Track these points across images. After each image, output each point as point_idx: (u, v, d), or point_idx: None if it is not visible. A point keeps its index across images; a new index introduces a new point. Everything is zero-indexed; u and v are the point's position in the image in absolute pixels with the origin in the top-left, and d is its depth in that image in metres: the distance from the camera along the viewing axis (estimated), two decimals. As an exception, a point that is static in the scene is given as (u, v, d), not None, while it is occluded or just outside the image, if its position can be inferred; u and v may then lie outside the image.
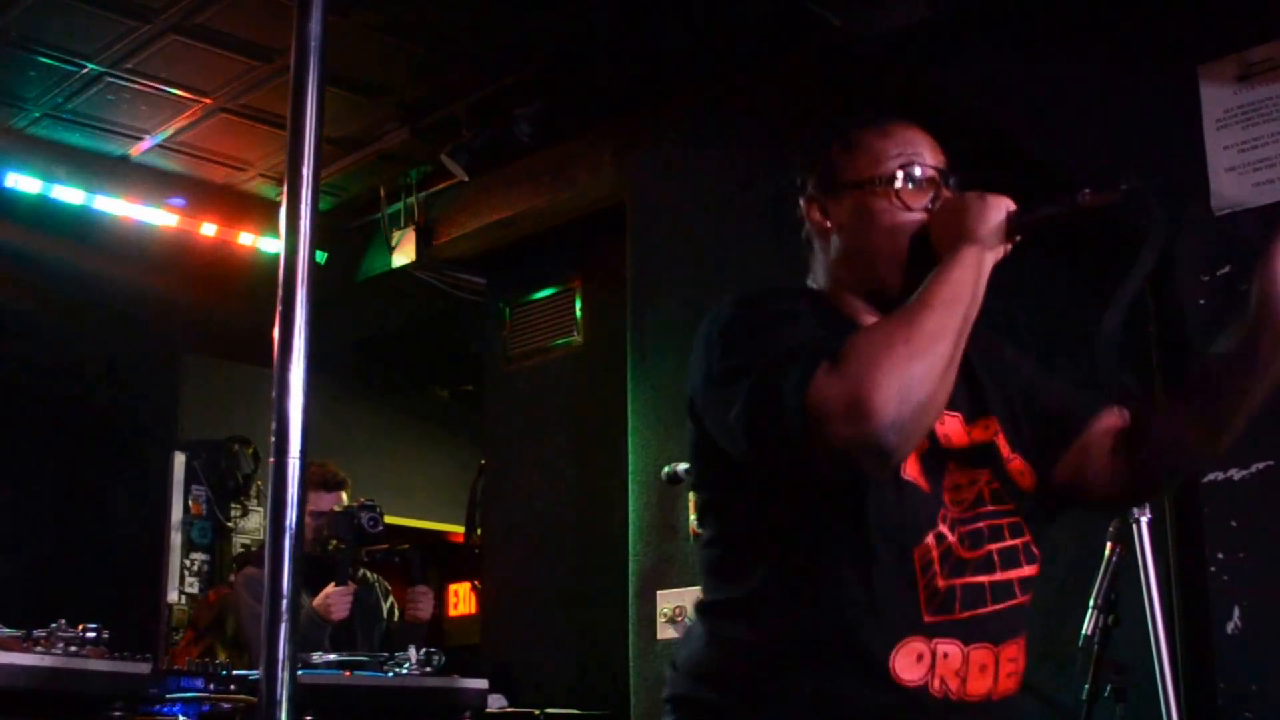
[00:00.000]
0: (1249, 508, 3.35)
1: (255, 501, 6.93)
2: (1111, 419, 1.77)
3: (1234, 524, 3.36)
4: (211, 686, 3.21)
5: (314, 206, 1.43)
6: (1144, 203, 1.59)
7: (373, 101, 5.31)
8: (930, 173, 1.70)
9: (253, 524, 7.25)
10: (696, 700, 1.67)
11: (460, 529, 6.80)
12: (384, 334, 7.27)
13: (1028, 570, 1.67)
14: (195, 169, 5.97)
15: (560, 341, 5.78)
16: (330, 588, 3.95)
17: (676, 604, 4.54)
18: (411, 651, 3.41)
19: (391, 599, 4.38)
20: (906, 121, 1.75)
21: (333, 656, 3.44)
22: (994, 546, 1.64)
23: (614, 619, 4.85)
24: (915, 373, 1.44)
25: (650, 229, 5.05)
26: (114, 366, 6.91)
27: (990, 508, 1.66)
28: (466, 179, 5.41)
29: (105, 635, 2.96)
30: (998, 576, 1.63)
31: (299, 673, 1.37)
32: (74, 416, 6.88)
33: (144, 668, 3.02)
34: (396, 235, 6.11)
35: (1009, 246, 1.62)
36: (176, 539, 6.72)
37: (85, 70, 5.04)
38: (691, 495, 4.35)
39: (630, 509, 4.81)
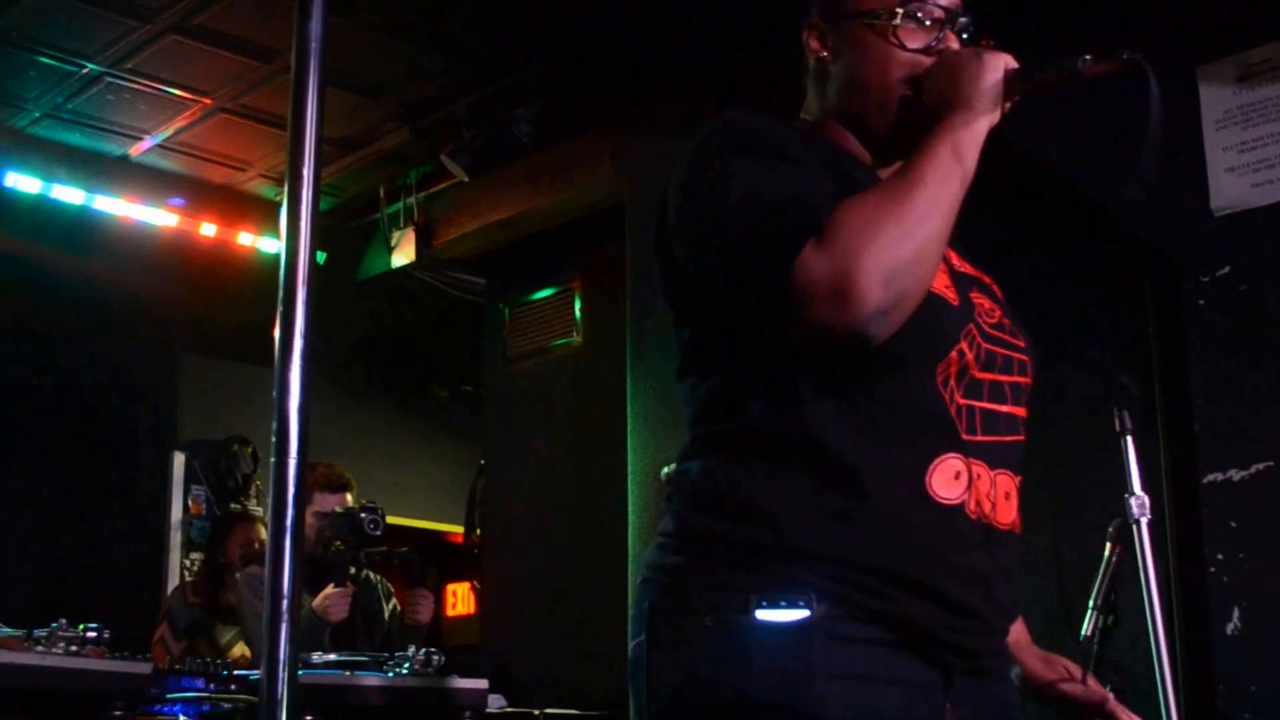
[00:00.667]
0: (1249, 508, 3.35)
1: (255, 501, 6.93)
2: None
3: (1234, 525, 3.36)
4: (211, 686, 3.21)
5: (314, 206, 1.43)
6: (1142, 72, 1.51)
7: (373, 101, 5.31)
8: (937, 13, 1.61)
9: (252, 524, 7.24)
10: (708, 533, 1.50)
11: (459, 529, 6.81)
12: (384, 334, 7.26)
13: (1023, 412, 1.59)
14: (195, 169, 5.97)
15: (560, 342, 5.78)
16: (329, 589, 3.95)
17: (676, 604, 4.53)
18: (411, 651, 3.41)
19: (394, 601, 4.38)
20: None
21: (332, 656, 3.44)
22: (1004, 378, 1.56)
23: (614, 619, 4.85)
24: (904, 255, 1.37)
25: (650, 229, 5.03)
26: (114, 366, 6.91)
27: (1007, 337, 1.58)
28: (466, 179, 5.41)
29: (105, 635, 2.96)
30: (1005, 408, 1.55)
31: (299, 673, 1.37)
32: (74, 416, 6.89)
33: (144, 668, 3.02)
34: (396, 235, 6.11)
35: (1004, 109, 1.54)
36: (176, 539, 6.73)
37: (85, 70, 5.04)
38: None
39: (630, 509, 4.81)
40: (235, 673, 3.30)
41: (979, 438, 1.50)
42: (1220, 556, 3.36)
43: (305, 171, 1.43)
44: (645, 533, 4.74)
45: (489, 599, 6.05)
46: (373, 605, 4.29)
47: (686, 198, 1.57)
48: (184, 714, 3.14)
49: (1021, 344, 1.60)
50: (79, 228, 5.89)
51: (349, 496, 4.30)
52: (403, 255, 6.10)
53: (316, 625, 3.90)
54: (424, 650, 3.41)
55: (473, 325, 6.34)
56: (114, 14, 4.67)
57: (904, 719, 1.44)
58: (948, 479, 1.47)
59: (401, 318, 7.02)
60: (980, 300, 1.58)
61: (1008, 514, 1.53)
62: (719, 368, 1.58)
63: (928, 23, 1.61)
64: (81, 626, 2.92)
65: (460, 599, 8.54)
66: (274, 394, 1.37)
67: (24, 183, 5.62)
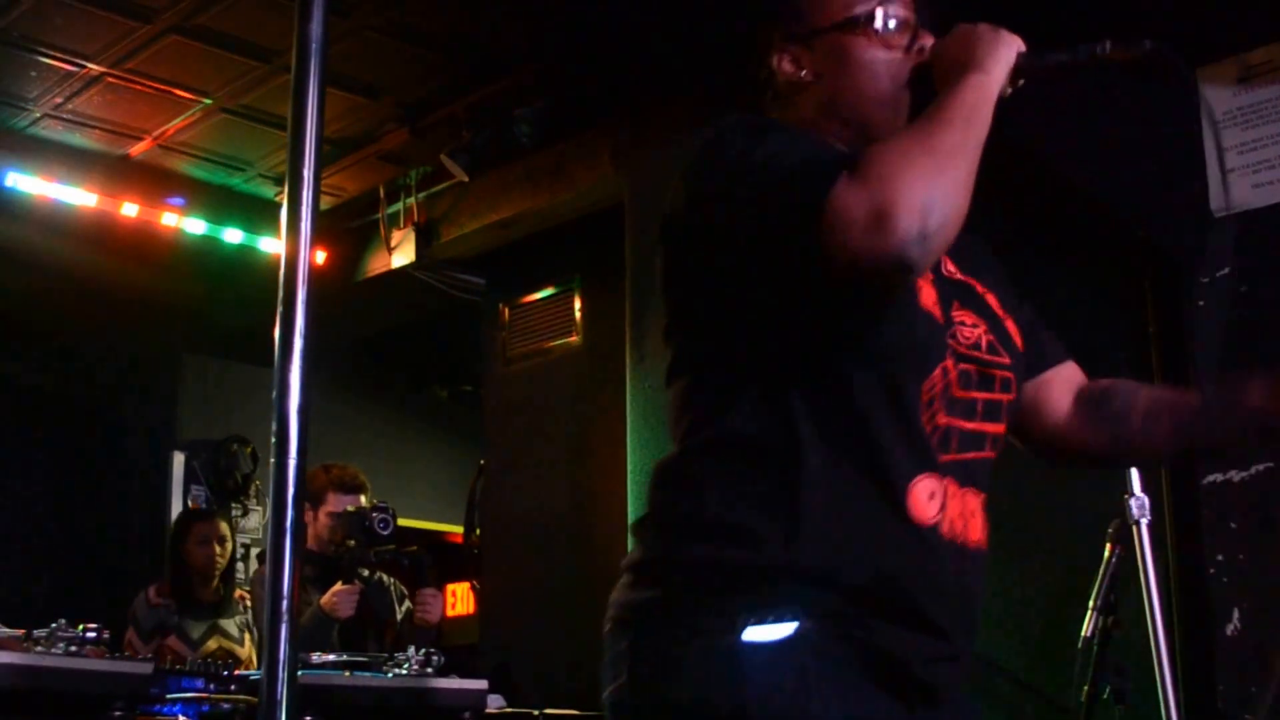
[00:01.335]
0: (1249, 509, 3.35)
1: (255, 501, 6.94)
2: (1075, 374, 1.76)
3: (1234, 526, 3.36)
4: (212, 686, 3.21)
5: (314, 206, 1.43)
6: (1168, 62, 1.51)
7: (373, 101, 5.31)
8: (906, 14, 1.62)
9: (252, 524, 7.26)
10: (690, 558, 1.49)
11: (459, 529, 6.80)
12: (383, 334, 7.27)
13: (1000, 428, 1.59)
14: (195, 169, 5.97)
15: (559, 342, 5.78)
16: (337, 585, 3.95)
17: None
18: (410, 652, 3.41)
19: (407, 603, 4.36)
20: None
21: (332, 657, 3.44)
22: (980, 395, 1.55)
23: (613, 619, 4.85)
24: (939, 186, 1.36)
25: (649, 229, 5.02)
26: (114, 366, 6.92)
27: (986, 356, 1.57)
28: (466, 179, 5.42)
29: (105, 635, 2.96)
30: (976, 426, 1.54)
31: (299, 673, 1.37)
32: (74, 416, 6.89)
33: (144, 668, 3.02)
34: (396, 235, 6.12)
35: (1013, 88, 1.54)
36: (176, 539, 6.72)
37: (85, 70, 5.05)
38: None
39: (630, 509, 4.81)
40: (235, 673, 3.30)
41: (952, 456, 1.51)
42: (1220, 557, 3.36)
43: (305, 171, 1.43)
44: (645, 533, 4.73)
45: (489, 599, 6.05)
46: (385, 608, 4.27)
47: (706, 172, 1.53)
48: (184, 714, 3.13)
49: (1005, 360, 1.59)
50: (79, 228, 5.89)
51: (363, 499, 4.29)
52: (402, 255, 6.10)
53: (324, 622, 3.90)
54: (423, 651, 3.41)
55: (472, 325, 6.34)
56: (114, 14, 4.67)
57: None
58: (923, 499, 1.47)
59: (401, 318, 7.03)
60: (962, 315, 1.57)
61: (976, 532, 1.53)
62: (703, 381, 1.57)
63: (902, 24, 1.62)
64: (81, 626, 2.92)
65: (460, 599, 8.54)
66: (274, 394, 1.37)
67: (24, 183, 5.62)
